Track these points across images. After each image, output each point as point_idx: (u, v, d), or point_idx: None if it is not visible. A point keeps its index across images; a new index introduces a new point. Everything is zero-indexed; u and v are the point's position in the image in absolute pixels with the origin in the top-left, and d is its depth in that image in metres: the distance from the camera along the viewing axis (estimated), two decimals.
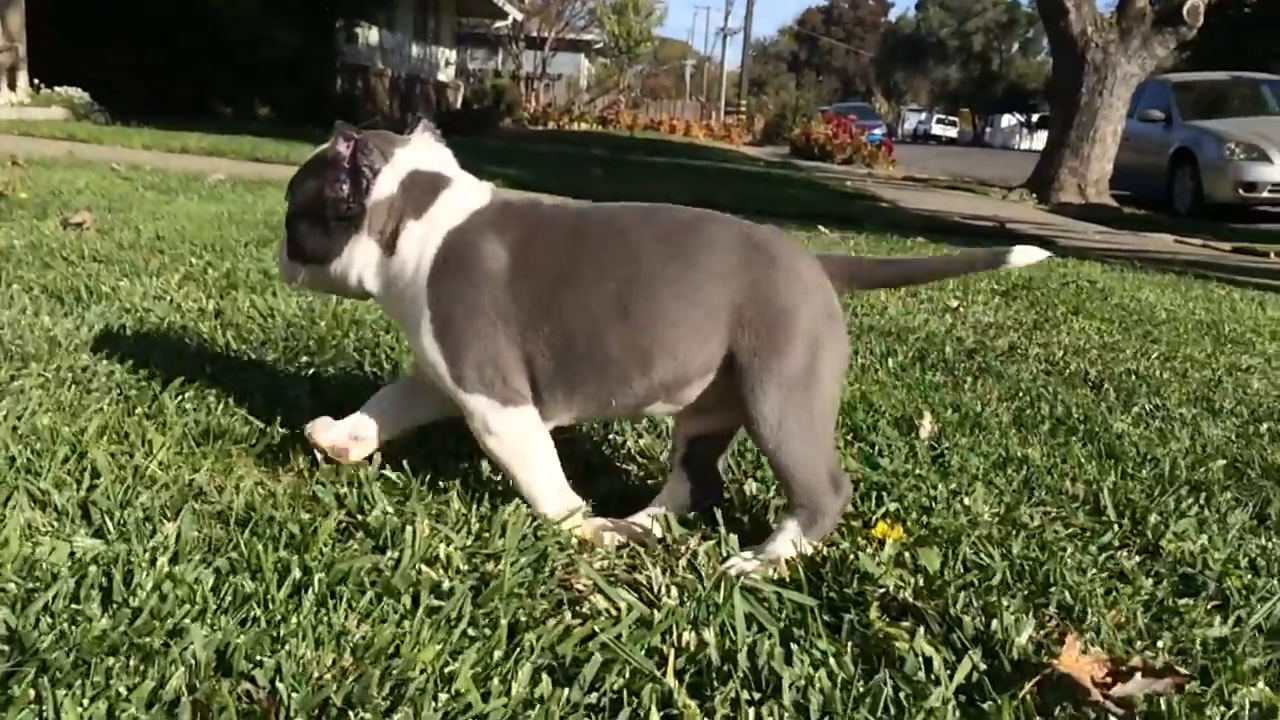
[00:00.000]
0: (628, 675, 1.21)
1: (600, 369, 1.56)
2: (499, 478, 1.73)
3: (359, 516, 1.57)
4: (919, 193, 13.60)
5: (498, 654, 1.23)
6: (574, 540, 1.57)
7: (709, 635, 1.29)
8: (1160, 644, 1.36)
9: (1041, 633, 1.37)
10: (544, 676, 1.20)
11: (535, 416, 1.61)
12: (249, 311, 2.82)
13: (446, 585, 1.37)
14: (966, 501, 1.81)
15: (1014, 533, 1.69)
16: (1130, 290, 4.86)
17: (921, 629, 1.34)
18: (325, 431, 1.73)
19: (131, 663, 1.13)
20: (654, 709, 1.15)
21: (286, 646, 1.19)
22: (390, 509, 1.58)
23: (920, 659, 1.26)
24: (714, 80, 54.93)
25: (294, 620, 1.25)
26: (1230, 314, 4.39)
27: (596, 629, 1.30)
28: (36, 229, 3.82)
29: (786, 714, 1.16)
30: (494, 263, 1.58)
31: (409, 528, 1.50)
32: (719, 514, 1.64)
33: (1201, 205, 12.32)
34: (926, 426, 2.21)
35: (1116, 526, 1.77)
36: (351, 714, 1.09)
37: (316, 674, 1.16)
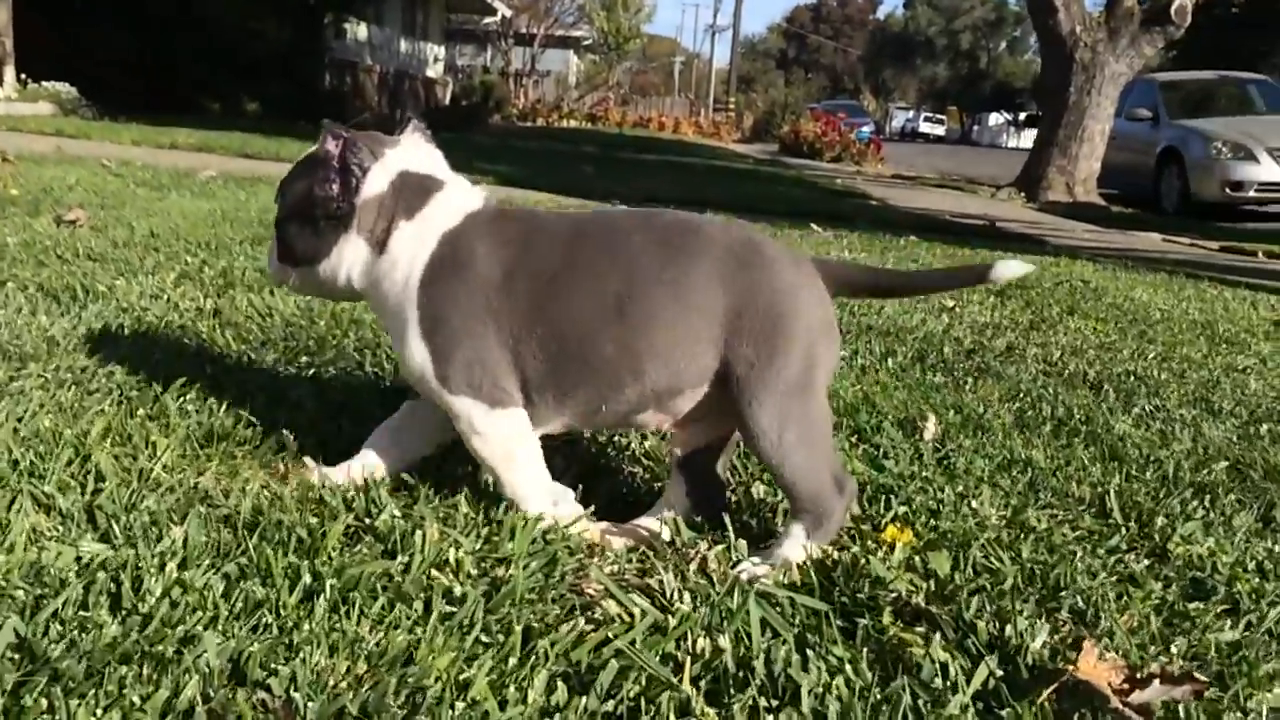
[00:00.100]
0: (644, 683, 1.21)
1: (593, 372, 1.55)
2: None
3: (367, 520, 1.56)
4: (908, 191, 13.63)
5: (512, 661, 1.22)
6: (583, 544, 1.57)
7: (724, 642, 1.29)
8: (1174, 649, 1.36)
9: (1055, 638, 1.37)
10: (559, 684, 1.19)
11: (524, 418, 1.60)
12: (247, 310, 2.80)
13: (458, 591, 1.36)
14: (974, 504, 1.81)
15: (1023, 536, 1.69)
16: (1123, 290, 4.88)
17: (936, 635, 1.33)
18: (337, 475, 1.71)
19: (145, 671, 1.12)
20: (672, 717, 1.14)
21: (301, 654, 1.18)
22: (398, 513, 1.57)
23: (936, 665, 1.26)
24: (703, 77, 54.95)
25: (307, 627, 1.24)
26: (1223, 314, 4.41)
27: (610, 635, 1.29)
28: (30, 226, 3.79)
29: None
30: (490, 265, 1.57)
31: (418, 532, 1.49)
32: (727, 517, 1.63)
33: (1188, 204, 12.38)
34: (930, 428, 2.21)
35: (1124, 530, 1.78)
36: None
37: (332, 682, 1.15)
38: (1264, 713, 1.22)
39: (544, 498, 1.62)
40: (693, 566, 1.52)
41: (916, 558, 1.57)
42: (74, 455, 1.67)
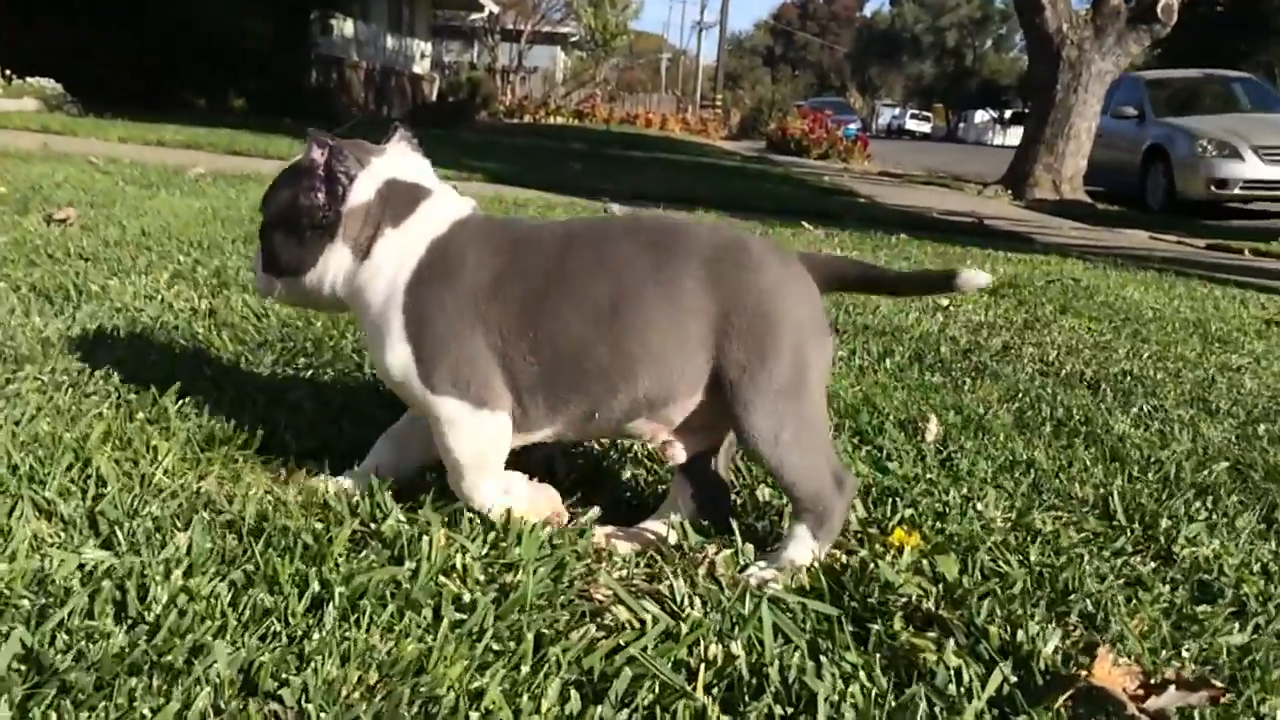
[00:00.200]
0: (657, 691, 1.20)
1: (587, 377, 1.54)
2: None
3: (372, 525, 1.54)
4: (896, 188, 13.66)
5: (525, 669, 1.22)
6: (590, 549, 1.56)
7: (737, 648, 1.28)
8: (1186, 654, 1.36)
9: (1067, 643, 1.36)
10: (573, 692, 1.18)
11: (508, 423, 1.58)
12: (242, 311, 2.78)
13: (467, 598, 1.35)
14: (979, 507, 1.80)
15: (1029, 539, 1.69)
16: (1115, 288, 4.90)
17: (949, 640, 1.33)
18: (345, 481, 1.69)
19: (155, 683, 1.11)
20: None
21: (312, 664, 1.16)
22: (403, 518, 1.56)
23: (950, 672, 1.25)
24: (689, 74, 54.91)
25: (317, 636, 1.22)
26: (1215, 312, 4.43)
27: (622, 642, 1.29)
28: (19, 225, 3.75)
29: None
30: (479, 272, 1.56)
31: (424, 537, 1.48)
32: (734, 521, 1.63)
33: (1174, 202, 12.44)
34: (932, 429, 2.21)
35: (1129, 532, 1.78)
36: None
37: (344, 693, 1.14)
38: (1277, 718, 1.22)
39: (498, 497, 1.60)
40: (701, 571, 1.51)
41: (924, 561, 1.56)
42: (74, 460, 1.65)
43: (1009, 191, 13.14)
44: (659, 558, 1.55)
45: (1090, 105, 12.82)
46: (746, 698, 1.20)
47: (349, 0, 19.64)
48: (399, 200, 1.61)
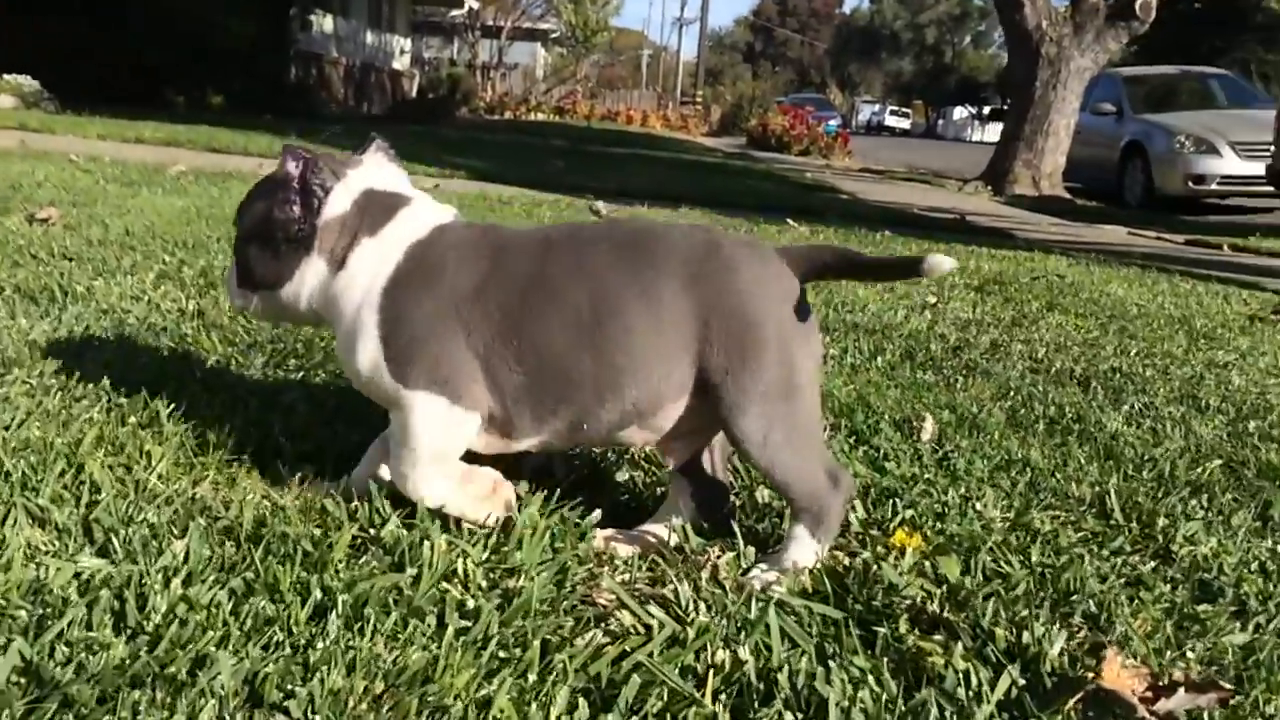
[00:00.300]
0: (666, 698, 1.19)
1: (573, 387, 1.52)
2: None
3: (371, 531, 1.53)
4: (877, 184, 13.70)
5: (532, 677, 1.20)
6: (591, 553, 1.55)
7: (744, 653, 1.27)
8: (1191, 654, 1.36)
9: (1073, 644, 1.37)
10: (581, 700, 1.17)
11: (476, 426, 1.56)
12: (230, 311, 2.75)
13: (471, 604, 1.34)
14: (978, 507, 1.80)
15: (1029, 539, 1.69)
16: (1099, 285, 4.92)
17: (956, 643, 1.32)
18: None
19: (158, 695, 1.09)
20: None
21: (317, 674, 1.15)
22: (401, 522, 1.54)
23: (958, 675, 1.25)
24: (670, 70, 54.87)
25: (321, 645, 1.21)
26: (1198, 308, 4.45)
27: (628, 648, 1.28)
28: (1, 225, 3.70)
29: None
30: (461, 276, 1.54)
31: (425, 543, 1.46)
32: (735, 525, 1.62)
33: (1152, 197, 12.54)
34: (928, 429, 2.21)
35: (1127, 530, 1.78)
36: None
37: (351, 704, 1.12)
38: None
39: (447, 495, 1.56)
40: (704, 574, 1.50)
41: (926, 563, 1.56)
42: (66, 466, 1.62)
43: (989, 188, 13.21)
44: (661, 561, 1.54)
45: (1069, 102, 12.90)
46: (756, 704, 1.19)
47: None
48: (376, 209, 1.60)
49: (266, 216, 1.59)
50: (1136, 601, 1.50)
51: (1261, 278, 6.02)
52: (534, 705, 1.15)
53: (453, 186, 7.35)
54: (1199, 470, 2.12)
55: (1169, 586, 1.57)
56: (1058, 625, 1.40)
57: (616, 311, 1.50)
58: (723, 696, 1.21)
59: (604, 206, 6.39)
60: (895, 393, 2.53)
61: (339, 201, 1.58)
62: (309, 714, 1.09)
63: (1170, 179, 12.41)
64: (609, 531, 1.63)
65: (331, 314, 1.61)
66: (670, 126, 34.88)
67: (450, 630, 1.27)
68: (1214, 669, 1.33)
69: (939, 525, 1.71)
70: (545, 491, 1.66)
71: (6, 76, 12.04)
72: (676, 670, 1.24)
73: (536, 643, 1.26)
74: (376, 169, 1.66)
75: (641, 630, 1.34)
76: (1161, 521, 1.81)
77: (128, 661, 1.14)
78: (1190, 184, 12.22)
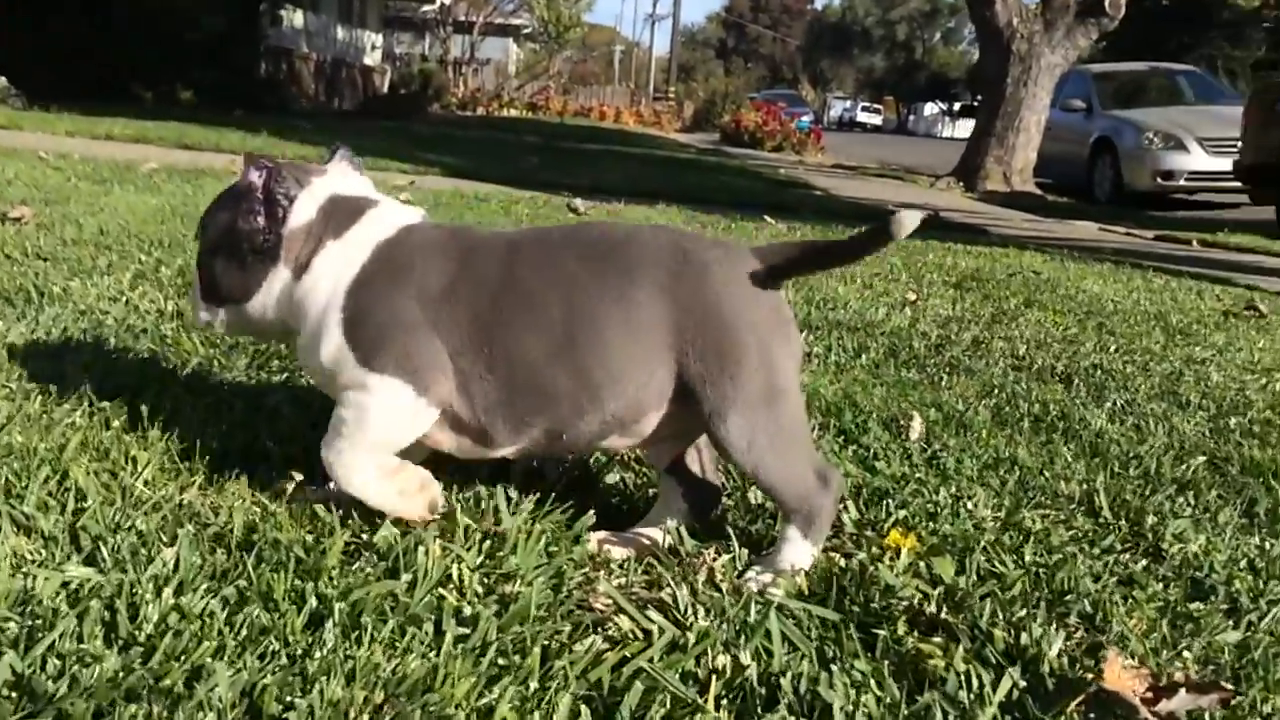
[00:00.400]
0: (669, 704, 1.18)
1: (549, 399, 1.50)
2: (500, 490, 1.67)
3: (364, 536, 1.51)
4: (850, 180, 13.75)
5: (533, 684, 1.19)
6: (585, 556, 1.53)
7: (745, 658, 1.26)
8: (1188, 654, 1.37)
9: (1070, 644, 1.37)
10: (583, 708, 1.16)
11: (431, 421, 1.52)
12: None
13: (468, 611, 1.32)
14: (969, 506, 1.81)
15: (1021, 538, 1.69)
16: (1074, 281, 4.96)
17: (956, 645, 1.32)
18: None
19: (155, 709, 1.07)
20: None
21: (316, 685, 1.13)
22: (395, 528, 1.52)
23: (959, 678, 1.25)
24: (642, 66, 54.82)
25: (318, 655, 1.19)
26: (1173, 304, 4.50)
27: (629, 654, 1.27)
28: None
29: None
30: (429, 276, 1.52)
31: (419, 548, 1.44)
32: (729, 528, 1.62)
33: (1121, 193, 12.67)
34: (916, 427, 2.22)
35: (1116, 529, 1.79)
36: None
37: (352, 714, 1.10)
38: None
39: (373, 483, 1.53)
40: (700, 577, 1.49)
41: (921, 563, 1.56)
42: (51, 472, 1.59)
43: (961, 184, 13.30)
44: (656, 564, 1.53)
45: (1040, 98, 13.02)
46: (759, 709, 1.18)
47: None
48: (341, 214, 1.58)
49: (230, 228, 1.57)
50: (1130, 601, 1.51)
51: (1232, 273, 6.09)
52: (536, 714, 1.14)
53: (427, 183, 7.30)
54: (1184, 467, 2.13)
55: (1161, 585, 1.58)
56: (1055, 626, 1.40)
57: (589, 322, 1.48)
58: (725, 702, 1.20)
59: (583, 204, 6.37)
60: (881, 391, 2.53)
61: (304, 209, 1.56)
62: None
63: (1139, 175, 12.55)
64: (602, 534, 1.62)
65: (297, 317, 1.58)
66: (643, 122, 34.86)
67: (449, 638, 1.25)
68: (1211, 669, 1.34)
69: (932, 525, 1.71)
70: (537, 494, 1.65)
71: None
72: (678, 676, 1.23)
73: (536, 649, 1.25)
74: (341, 176, 1.64)
75: (640, 635, 1.33)
76: (1150, 519, 1.82)
77: (121, 674, 1.12)
78: (1159, 180, 12.36)
